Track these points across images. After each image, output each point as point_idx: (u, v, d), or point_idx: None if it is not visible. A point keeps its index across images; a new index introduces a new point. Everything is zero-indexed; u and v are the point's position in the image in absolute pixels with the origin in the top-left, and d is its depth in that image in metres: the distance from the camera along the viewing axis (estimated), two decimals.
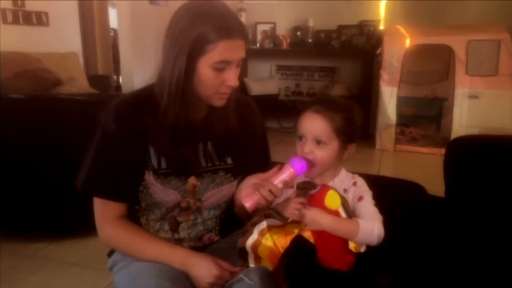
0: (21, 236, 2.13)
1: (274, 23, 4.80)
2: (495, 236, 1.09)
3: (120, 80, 4.35)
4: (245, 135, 1.09)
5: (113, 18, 4.51)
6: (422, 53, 3.99)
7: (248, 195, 0.93)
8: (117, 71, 4.47)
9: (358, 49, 4.41)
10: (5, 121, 1.94)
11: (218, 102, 0.98)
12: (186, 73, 0.91)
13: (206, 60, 0.90)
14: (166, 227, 1.05)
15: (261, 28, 4.79)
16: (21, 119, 1.98)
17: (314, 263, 0.86)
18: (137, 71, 3.86)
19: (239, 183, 1.04)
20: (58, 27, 3.54)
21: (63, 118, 1.98)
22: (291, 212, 0.91)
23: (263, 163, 1.12)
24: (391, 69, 3.88)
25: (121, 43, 3.96)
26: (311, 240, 0.87)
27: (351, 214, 0.92)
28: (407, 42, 3.86)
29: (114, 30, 4.71)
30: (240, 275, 0.89)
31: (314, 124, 0.96)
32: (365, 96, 4.31)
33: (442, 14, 4.20)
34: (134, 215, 1.04)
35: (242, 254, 0.92)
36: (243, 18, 4.57)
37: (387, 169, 3.49)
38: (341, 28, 4.53)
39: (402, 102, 4.04)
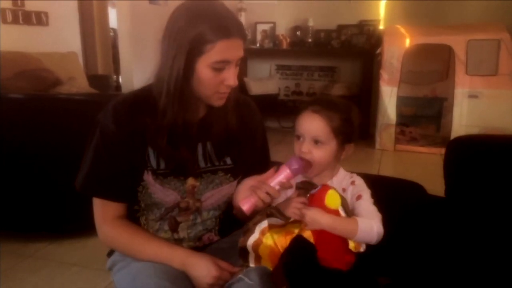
0: (21, 236, 2.13)
1: (274, 23, 4.80)
2: (495, 236, 1.09)
3: (120, 80, 4.35)
4: (245, 135, 1.09)
5: (113, 18, 4.51)
6: (422, 52, 3.99)
7: (246, 197, 0.93)
8: (117, 71, 4.47)
9: (358, 48, 4.41)
10: (5, 121, 1.94)
11: (217, 102, 0.98)
12: (184, 73, 0.91)
13: (205, 60, 0.90)
14: (166, 227, 1.05)
15: (261, 28, 4.79)
16: (21, 119, 1.98)
17: (314, 263, 0.86)
18: (137, 71, 3.86)
19: (238, 183, 1.03)
20: (57, 27, 3.54)
21: (63, 118, 1.98)
22: (292, 211, 0.91)
23: (263, 163, 1.12)
24: (391, 68, 3.88)
25: (120, 43, 3.96)
26: (311, 239, 0.88)
27: (350, 213, 0.92)
28: (407, 42, 3.85)
29: (114, 30, 4.70)
30: (240, 275, 0.89)
31: (312, 124, 0.96)
32: (365, 96, 4.31)
33: (442, 14, 4.20)
34: (133, 215, 1.04)
35: (243, 253, 0.92)
36: (243, 18, 4.57)
37: (387, 168, 3.49)
38: (341, 28, 4.53)
39: (402, 101, 4.04)
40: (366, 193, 0.96)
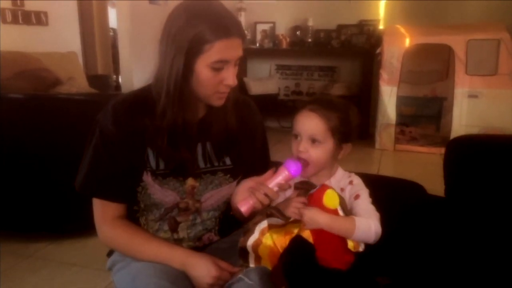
0: (21, 236, 2.13)
1: (273, 23, 4.80)
2: (495, 236, 1.09)
3: (120, 80, 4.35)
4: (245, 135, 1.09)
5: (113, 17, 4.51)
6: (421, 52, 3.99)
7: (244, 199, 0.93)
8: (117, 71, 4.47)
9: (358, 48, 4.41)
10: (5, 121, 1.94)
11: (217, 101, 0.98)
12: (183, 73, 0.91)
13: (204, 60, 0.90)
14: (166, 227, 1.05)
15: (260, 27, 4.79)
16: (20, 119, 1.98)
17: (313, 263, 0.86)
18: (137, 71, 3.87)
19: (238, 183, 1.03)
20: (57, 27, 3.54)
21: (62, 118, 1.98)
22: (292, 211, 0.91)
23: (263, 163, 1.12)
24: (390, 68, 3.88)
25: (120, 43, 3.97)
26: (310, 239, 0.88)
27: (349, 213, 0.92)
28: (407, 42, 3.85)
29: (114, 30, 4.70)
30: (240, 275, 0.90)
31: (309, 123, 0.96)
32: (365, 95, 4.31)
33: (442, 14, 4.20)
34: (133, 216, 1.04)
35: (243, 253, 0.92)
36: (243, 18, 4.57)
37: (387, 168, 3.49)
38: (340, 28, 4.53)
39: (401, 101, 4.04)
40: (364, 193, 0.96)
